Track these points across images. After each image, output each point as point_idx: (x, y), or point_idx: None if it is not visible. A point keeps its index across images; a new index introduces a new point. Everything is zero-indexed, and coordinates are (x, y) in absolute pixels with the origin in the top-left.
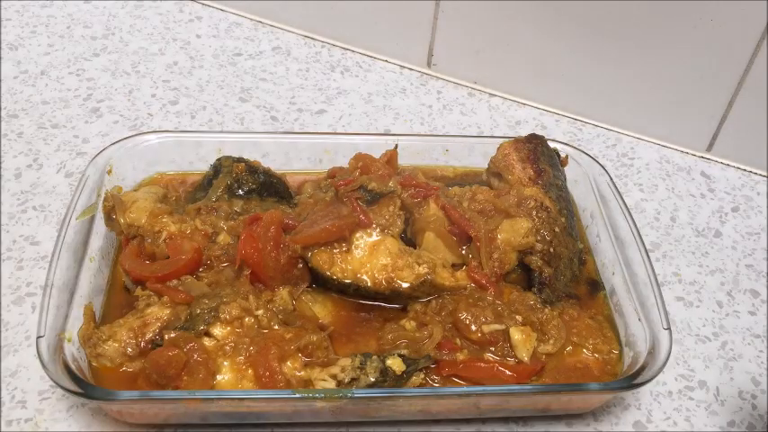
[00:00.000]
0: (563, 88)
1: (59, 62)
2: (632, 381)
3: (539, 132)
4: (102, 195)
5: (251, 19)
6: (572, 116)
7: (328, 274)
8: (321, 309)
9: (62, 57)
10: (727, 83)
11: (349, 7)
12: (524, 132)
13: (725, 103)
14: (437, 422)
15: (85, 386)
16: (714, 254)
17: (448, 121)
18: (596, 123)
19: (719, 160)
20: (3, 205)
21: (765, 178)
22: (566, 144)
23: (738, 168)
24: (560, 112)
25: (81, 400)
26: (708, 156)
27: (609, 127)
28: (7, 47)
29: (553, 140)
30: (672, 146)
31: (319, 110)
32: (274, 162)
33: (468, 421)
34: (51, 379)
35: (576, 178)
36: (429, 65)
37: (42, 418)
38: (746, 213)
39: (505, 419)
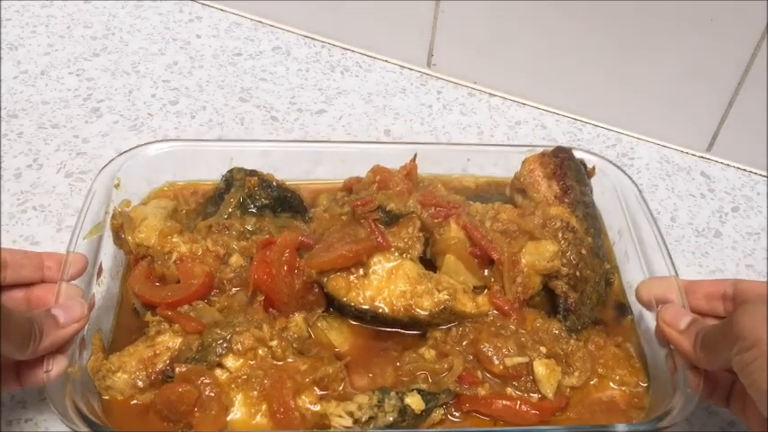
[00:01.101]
0: (563, 88)
1: (59, 62)
2: (660, 422)
3: (538, 132)
4: (111, 212)
5: (251, 19)
6: (572, 116)
7: (345, 300)
8: (337, 335)
9: (62, 57)
10: (727, 83)
11: (349, 7)
12: (524, 132)
13: (725, 103)
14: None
15: (97, 428)
16: (714, 254)
17: (448, 121)
18: (596, 123)
19: (719, 160)
20: (3, 205)
21: (765, 178)
22: (594, 154)
23: (738, 168)
24: (560, 112)
25: None
26: (708, 156)
27: (609, 127)
28: (7, 47)
29: (579, 149)
30: (672, 146)
31: (319, 110)
32: (287, 172)
33: None
34: (60, 418)
35: (603, 190)
36: (429, 65)
37: (42, 418)
38: (746, 213)
39: None
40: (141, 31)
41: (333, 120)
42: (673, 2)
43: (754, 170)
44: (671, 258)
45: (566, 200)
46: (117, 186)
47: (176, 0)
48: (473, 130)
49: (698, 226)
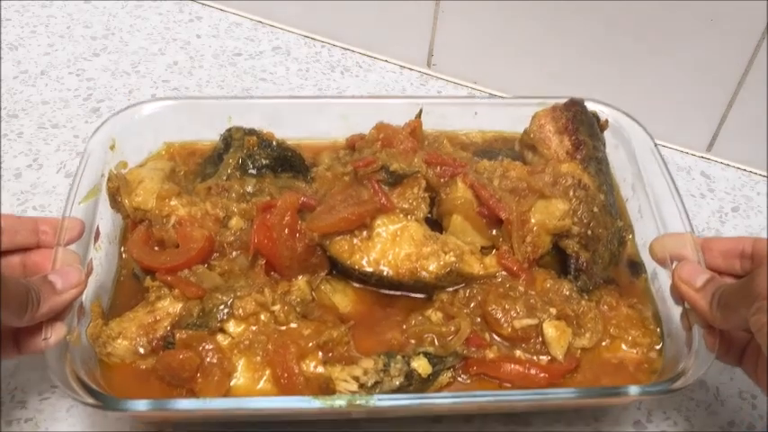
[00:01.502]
0: (563, 88)
1: (59, 62)
2: (672, 384)
3: None
4: (106, 174)
5: (251, 19)
6: None
7: (348, 263)
8: (342, 298)
9: (62, 57)
10: (727, 83)
11: (349, 7)
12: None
13: (725, 103)
14: (438, 421)
15: (98, 395)
16: None
17: None
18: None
19: (719, 160)
20: (3, 205)
21: (765, 178)
22: (606, 104)
23: (738, 168)
24: None
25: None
26: (708, 156)
27: None
28: (7, 47)
29: (592, 100)
30: (672, 146)
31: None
32: (287, 129)
33: (468, 421)
34: (59, 385)
35: (616, 143)
36: (429, 65)
37: (42, 418)
38: (746, 213)
39: (505, 420)
40: (141, 31)
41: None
42: (673, 2)
43: (755, 170)
44: (686, 214)
45: (577, 156)
46: (112, 148)
47: (176, 0)
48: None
49: (698, 226)
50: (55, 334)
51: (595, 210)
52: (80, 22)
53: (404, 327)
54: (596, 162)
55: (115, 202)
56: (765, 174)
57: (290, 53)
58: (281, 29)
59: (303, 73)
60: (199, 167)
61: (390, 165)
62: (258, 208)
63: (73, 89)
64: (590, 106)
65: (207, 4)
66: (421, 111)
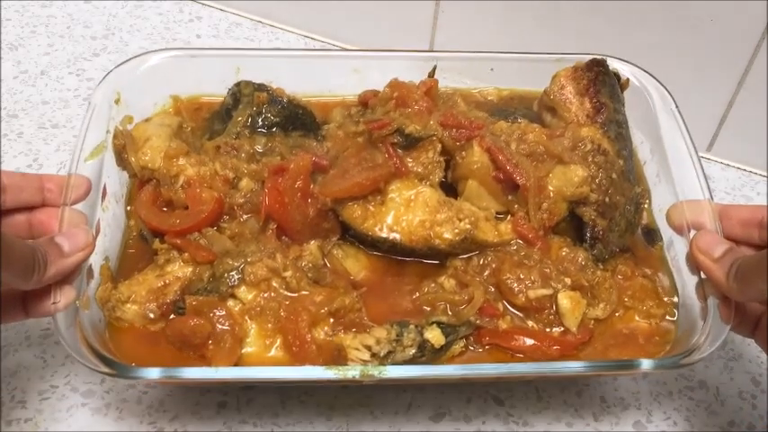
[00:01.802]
0: None
1: (59, 62)
2: (687, 357)
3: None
4: (112, 131)
5: (251, 19)
6: None
7: (362, 228)
8: (354, 264)
9: (62, 57)
10: (727, 83)
11: (349, 7)
12: None
13: (725, 103)
14: (437, 421)
15: (111, 364)
16: None
17: None
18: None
19: (719, 160)
20: None
21: (765, 178)
22: (627, 62)
23: (738, 168)
24: None
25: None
26: (708, 156)
27: None
28: (7, 47)
29: (615, 58)
30: None
31: None
32: (298, 83)
33: (468, 421)
34: (70, 352)
35: (636, 103)
36: None
37: (42, 418)
38: None
39: (505, 420)
40: (141, 31)
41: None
42: (673, 2)
43: (755, 170)
44: (706, 180)
45: (598, 119)
46: (117, 102)
47: (176, 0)
48: None
49: None
50: (64, 298)
51: (614, 176)
52: (80, 22)
53: (416, 294)
54: (616, 125)
55: (121, 160)
56: (765, 174)
57: None
58: (281, 29)
59: None
60: (206, 123)
61: (405, 127)
62: (269, 171)
63: (73, 89)
64: (611, 64)
65: (207, 4)
66: (435, 68)
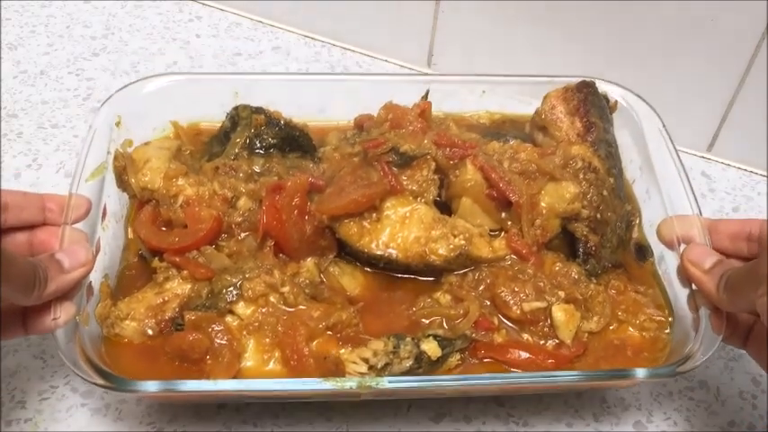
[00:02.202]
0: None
1: (59, 62)
2: (680, 366)
3: None
4: (112, 152)
5: (251, 19)
6: None
7: (358, 246)
8: (350, 281)
9: (61, 56)
10: (727, 83)
11: (349, 7)
12: None
13: (725, 103)
14: (437, 422)
15: (108, 377)
16: None
17: None
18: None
19: (720, 160)
20: None
21: (766, 178)
22: (616, 84)
23: (739, 168)
24: None
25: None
26: (708, 156)
27: None
28: (7, 47)
29: (602, 80)
30: None
31: (319, 110)
32: (295, 107)
33: (468, 422)
34: (69, 367)
35: (625, 123)
36: (429, 65)
37: (42, 419)
38: (747, 213)
39: (506, 420)
40: (141, 30)
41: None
42: (673, 2)
43: (755, 170)
44: (694, 195)
45: (588, 138)
46: (118, 125)
47: (176, 0)
48: None
49: None
50: (64, 314)
51: (605, 193)
52: (80, 22)
53: (413, 309)
54: (606, 144)
55: (122, 182)
56: (766, 174)
57: (289, 53)
58: (281, 29)
59: None
60: (205, 147)
61: (400, 146)
62: (267, 189)
63: (72, 89)
64: (600, 86)
65: (206, 3)
66: (428, 92)
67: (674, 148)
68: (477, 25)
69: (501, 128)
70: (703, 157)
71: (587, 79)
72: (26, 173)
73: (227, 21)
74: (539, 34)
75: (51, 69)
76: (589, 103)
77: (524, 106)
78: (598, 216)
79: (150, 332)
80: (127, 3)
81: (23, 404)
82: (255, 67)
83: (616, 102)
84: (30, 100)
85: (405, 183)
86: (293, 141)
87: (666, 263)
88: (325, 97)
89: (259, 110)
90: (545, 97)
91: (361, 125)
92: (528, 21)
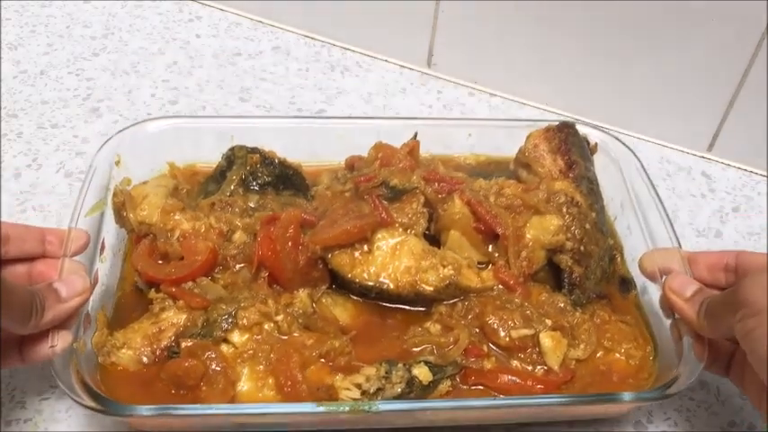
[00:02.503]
0: (563, 88)
1: (59, 62)
2: (666, 390)
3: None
4: (112, 189)
5: (251, 19)
6: (572, 116)
7: (349, 276)
8: (342, 311)
9: (61, 56)
10: (727, 83)
11: (349, 7)
12: (525, 132)
13: (725, 103)
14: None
15: (104, 401)
16: None
17: None
18: (596, 123)
19: (720, 160)
20: (2, 205)
21: (766, 178)
22: (595, 127)
23: (739, 168)
24: (560, 112)
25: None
26: (708, 156)
27: (609, 127)
28: (6, 47)
29: (582, 122)
30: (672, 146)
31: (319, 110)
32: (287, 148)
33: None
34: (66, 392)
35: (605, 164)
36: (429, 65)
37: (42, 419)
38: (747, 213)
39: (506, 423)
40: (141, 30)
41: None
42: (673, 2)
43: (755, 170)
44: (674, 230)
45: (570, 174)
46: (117, 164)
47: (176, 0)
48: None
49: (698, 226)
50: (61, 341)
51: (588, 227)
52: (79, 22)
53: (404, 338)
54: (588, 181)
55: (120, 217)
56: (766, 174)
57: (289, 53)
58: (281, 29)
59: (303, 73)
60: (201, 186)
61: (390, 180)
62: (262, 221)
63: (72, 89)
64: (580, 129)
65: (206, 3)
66: (416, 133)
67: (653, 185)
68: (477, 25)
69: (487, 169)
70: (703, 157)
71: (568, 121)
72: (26, 173)
73: (227, 21)
74: (538, 33)
75: (51, 69)
76: (570, 142)
77: (511, 148)
78: (582, 248)
79: (146, 360)
80: (127, 3)
81: (23, 404)
82: (255, 66)
83: (596, 144)
84: (30, 100)
85: (395, 215)
86: (287, 180)
87: (649, 294)
88: (317, 138)
89: (254, 149)
90: (528, 136)
91: (351, 165)
92: (528, 20)
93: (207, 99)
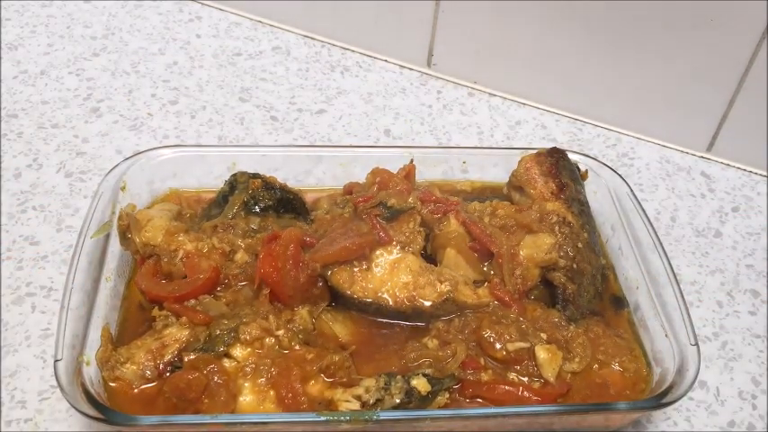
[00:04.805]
0: (563, 88)
1: (59, 62)
2: (661, 399)
3: (538, 132)
4: (117, 213)
5: (251, 19)
6: (572, 116)
7: (348, 292)
8: (341, 328)
9: (62, 56)
10: (727, 83)
11: (349, 7)
12: (524, 132)
13: (725, 103)
14: None
15: (107, 411)
16: (714, 254)
17: (448, 121)
18: (596, 123)
19: (720, 160)
20: (2, 205)
21: (765, 178)
22: (585, 155)
23: (738, 168)
24: (560, 112)
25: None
26: (708, 156)
27: (609, 127)
28: (7, 47)
29: (572, 151)
30: (672, 146)
31: (319, 110)
32: (288, 175)
33: None
34: (70, 404)
35: (596, 190)
36: (429, 65)
37: (42, 419)
38: (746, 213)
39: None
40: (141, 30)
41: (333, 120)
42: (673, 2)
43: (755, 170)
44: (664, 251)
45: (561, 196)
46: (123, 189)
47: (176, 0)
48: (473, 130)
49: (698, 226)
50: None
51: (580, 245)
52: (80, 22)
53: (402, 353)
54: (579, 203)
55: (125, 239)
56: (765, 174)
57: (289, 53)
58: (281, 29)
59: (303, 73)
60: (204, 211)
61: (388, 201)
62: (264, 240)
63: (73, 89)
64: (571, 157)
65: (207, 3)
66: (412, 160)
67: (642, 208)
68: (477, 25)
69: (482, 194)
70: (703, 157)
71: (558, 147)
72: (26, 173)
73: (227, 21)
74: (538, 34)
75: (51, 69)
76: (560, 165)
77: (505, 174)
78: (574, 266)
79: (149, 374)
80: (127, 3)
81: (24, 404)
82: (255, 66)
83: (587, 170)
84: (30, 100)
85: (392, 234)
86: (288, 204)
87: (642, 310)
88: (317, 164)
89: (256, 175)
90: (520, 160)
91: (350, 191)
92: (528, 21)
93: (207, 99)
